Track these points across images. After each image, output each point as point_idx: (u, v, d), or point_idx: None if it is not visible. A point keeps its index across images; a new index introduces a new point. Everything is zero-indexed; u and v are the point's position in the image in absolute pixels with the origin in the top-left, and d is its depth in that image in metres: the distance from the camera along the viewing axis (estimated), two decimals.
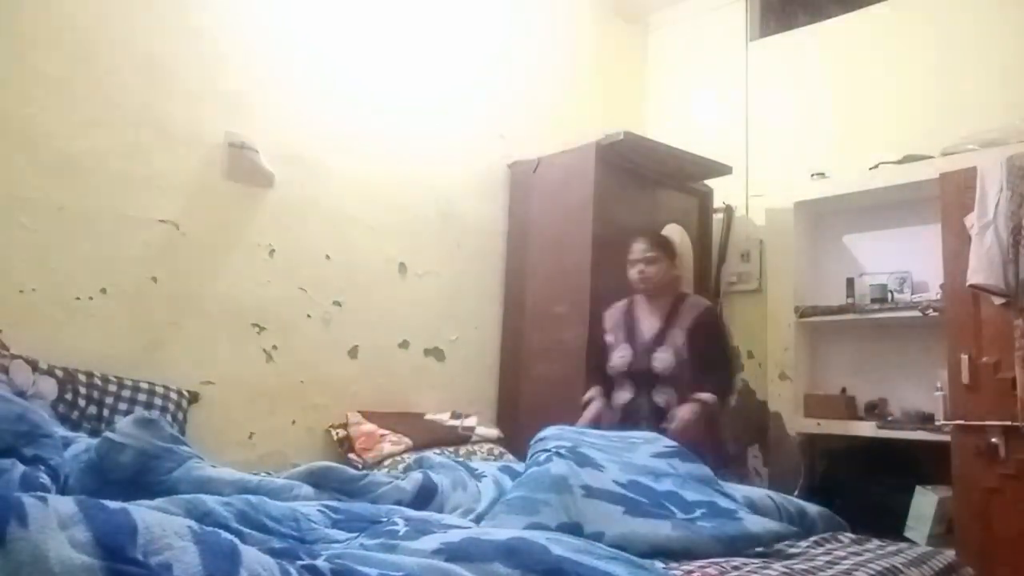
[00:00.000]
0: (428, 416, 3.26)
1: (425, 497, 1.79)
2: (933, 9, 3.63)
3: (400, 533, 1.30)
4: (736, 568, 1.46)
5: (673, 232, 3.88)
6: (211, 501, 1.32)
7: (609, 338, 2.98)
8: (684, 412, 2.67)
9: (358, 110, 3.29)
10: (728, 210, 4.14)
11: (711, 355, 2.83)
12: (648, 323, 2.92)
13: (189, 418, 2.64)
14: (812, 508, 2.10)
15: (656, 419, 2.73)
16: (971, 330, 2.94)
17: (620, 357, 2.88)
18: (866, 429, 3.39)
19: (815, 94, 3.95)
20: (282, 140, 3.04)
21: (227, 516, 1.29)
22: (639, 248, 2.96)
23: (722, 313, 2.84)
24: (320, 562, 1.05)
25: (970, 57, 3.47)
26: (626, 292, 3.05)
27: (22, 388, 2.18)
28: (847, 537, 1.98)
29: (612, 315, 3.04)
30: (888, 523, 2.98)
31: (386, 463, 2.83)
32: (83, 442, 1.74)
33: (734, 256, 4.11)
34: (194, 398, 2.69)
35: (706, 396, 2.70)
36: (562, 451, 1.75)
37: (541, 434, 1.96)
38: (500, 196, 3.82)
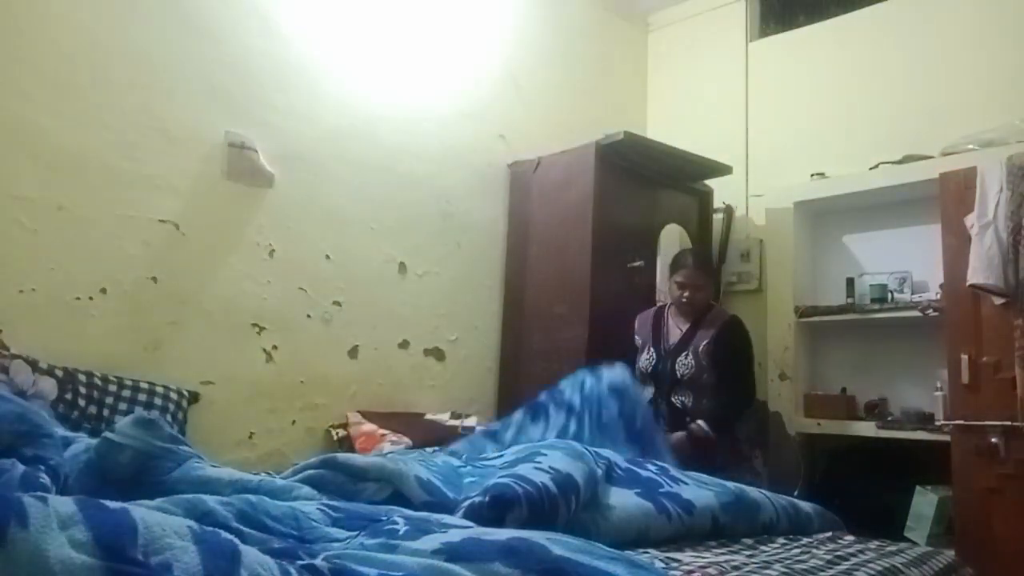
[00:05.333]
0: (428, 416, 3.26)
1: None
2: (932, 9, 3.63)
3: (400, 532, 1.29)
4: (736, 568, 1.47)
5: (673, 232, 3.89)
6: (211, 501, 1.32)
7: (638, 340, 3.18)
8: (675, 437, 2.90)
9: (358, 110, 3.29)
10: (728, 210, 4.13)
11: (729, 366, 3.01)
12: (675, 331, 3.11)
13: (189, 418, 2.64)
14: (806, 505, 2.11)
15: (673, 418, 2.99)
16: (971, 330, 2.94)
17: (645, 360, 3.10)
18: (866, 429, 3.39)
19: (815, 94, 3.95)
20: (282, 140, 3.04)
21: (227, 516, 1.28)
22: (688, 274, 3.07)
23: (741, 325, 3.12)
24: (319, 561, 1.05)
25: (969, 57, 3.47)
26: (626, 292, 3.05)
27: (22, 388, 2.18)
28: (847, 537, 1.98)
29: (643, 320, 3.22)
30: (888, 523, 2.98)
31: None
32: (83, 442, 1.73)
33: (734, 256, 4.11)
34: (194, 398, 2.69)
35: (696, 427, 2.92)
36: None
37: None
38: (500, 196, 3.82)
